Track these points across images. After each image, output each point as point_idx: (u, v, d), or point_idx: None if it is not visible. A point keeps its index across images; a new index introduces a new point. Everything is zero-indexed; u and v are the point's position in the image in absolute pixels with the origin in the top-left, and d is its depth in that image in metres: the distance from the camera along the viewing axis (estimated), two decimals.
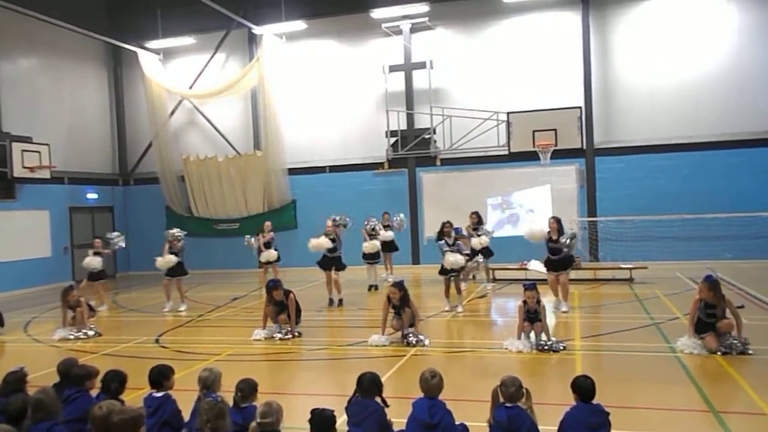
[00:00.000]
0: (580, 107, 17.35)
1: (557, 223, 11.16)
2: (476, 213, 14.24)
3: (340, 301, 12.86)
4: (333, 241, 12.82)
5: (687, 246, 16.28)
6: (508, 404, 4.30)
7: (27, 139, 17.71)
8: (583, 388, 4.43)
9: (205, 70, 21.06)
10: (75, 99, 20.58)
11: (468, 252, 12.33)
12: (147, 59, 21.03)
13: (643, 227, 16.57)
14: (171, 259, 13.07)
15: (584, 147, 17.50)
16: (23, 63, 18.82)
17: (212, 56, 20.99)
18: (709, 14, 17.06)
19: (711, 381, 6.87)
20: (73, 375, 5.21)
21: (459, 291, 11.74)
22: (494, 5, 18.16)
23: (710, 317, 7.90)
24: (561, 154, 17.14)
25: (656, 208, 16.70)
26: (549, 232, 11.10)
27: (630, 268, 14.38)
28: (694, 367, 7.28)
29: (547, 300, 10.97)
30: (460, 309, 11.50)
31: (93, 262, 13.67)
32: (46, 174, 17.92)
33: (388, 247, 15.61)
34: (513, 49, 18.39)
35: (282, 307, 9.94)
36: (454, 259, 11.25)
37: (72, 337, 10.45)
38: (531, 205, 18.17)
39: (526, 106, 17.50)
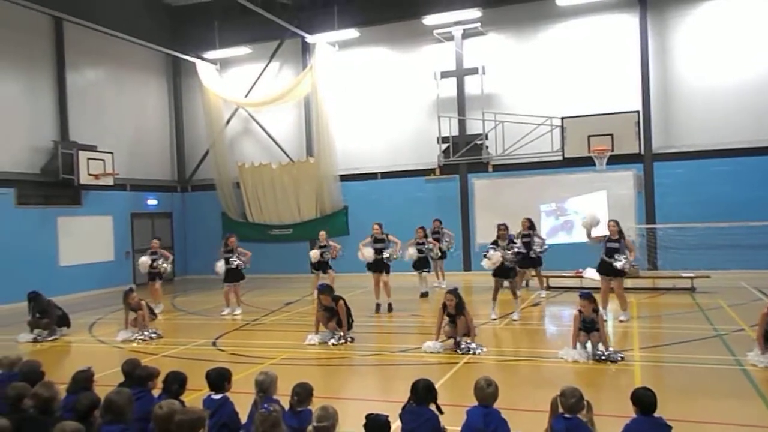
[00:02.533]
0: (637, 111, 16.90)
1: (617, 225, 10.89)
2: (529, 219, 14.13)
3: (390, 306, 12.87)
4: (382, 242, 12.91)
5: (752, 254, 15.61)
6: (567, 415, 4.21)
7: (92, 148, 18.49)
8: (644, 400, 4.30)
9: (260, 79, 21.52)
10: (137, 108, 21.38)
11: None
12: (205, 69, 21.65)
13: (705, 235, 15.98)
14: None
15: (642, 152, 17.02)
16: (90, 75, 19.67)
17: (267, 65, 21.44)
18: None
19: None
20: (136, 376, 5.38)
21: (515, 296, 11.57)
22: (548, 9, 17.91)
23: None
24: (617, 160, 16.73)
25: (718, 214, 16.07)
26: (609, 234, 10.86)
27: (691, 277, 13.88)
28: (761, 381, 6.97)
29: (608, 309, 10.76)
30: (515, 316, 11.35)
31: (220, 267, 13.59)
32: (109, 181, 18.63)
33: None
34: (567, 52, 18.08)
35: (332, 312, 10.02)
36: (488, 261, 11.28)
37: (134, 338, 10.82)
38: (586, 212, 17.74)
39: (580, 111, 17.17)
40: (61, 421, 4.09)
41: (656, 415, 4.28)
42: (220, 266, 13.51)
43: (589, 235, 10.97)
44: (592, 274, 13.03)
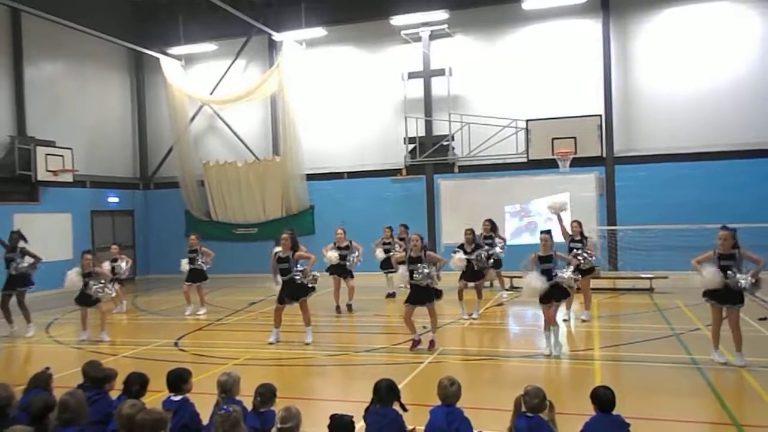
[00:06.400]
0: (599, 115, 17.25)
1: (579, 226, 11.11)
2: (489, 221, 14.06)
3: (349, 306, 12.92)
4: (346, 248, 12.89)
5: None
6: (529, 414, 4.27)
7: (51, 143, 18.01)
8: (603, 398, 4.37)
9: (226, 76, 21.27)
10: (98, 104, 20.89)
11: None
12: (169, 65, 21.29)
13: (664, 236, 16.37)
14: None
15: (604, 155, 17.38)
16: (48, 68, 19.14)
17: (233, 62, 21.20)
18: (731, 22, 16.87)
19: (734, 394, 6.77)
20: (91, 378, 5.26)
21: (479, 296, 11.69)
22: (514, 12, 18.13)
23: None
24: (580, 162, 17.05)
25: (677, 217, 16.49)
26: (572, 234, 11.02)
27: (650, 278, 14.23)
28: (716, 380, 7.17)
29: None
30: (475, 315, 11.47)
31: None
32: (68, 178, 18.18)
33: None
34: (532, 56, 18.33)
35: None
36: (457, 259, 11.39)
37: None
38: (549, 214, 17.99)
39: (545, 114, 17.43)
40: (13, 424, 3.98)
41: (615, 412, 4.36)
42: (185, 264, 13.32)
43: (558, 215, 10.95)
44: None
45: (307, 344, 9.76)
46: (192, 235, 13.84)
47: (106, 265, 13.26)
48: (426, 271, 9.05)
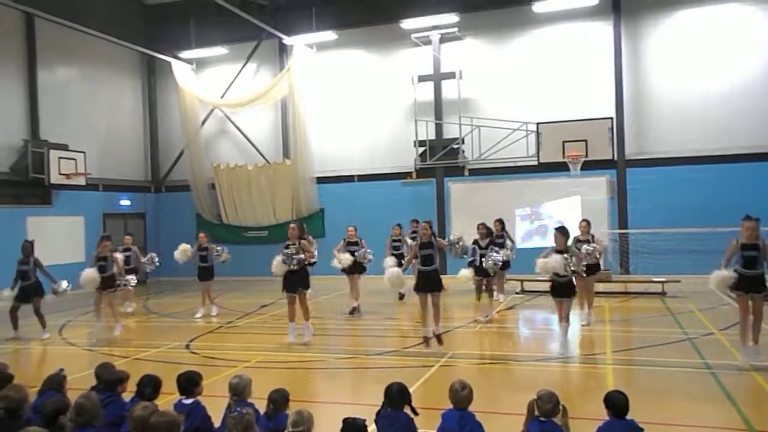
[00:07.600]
0: (611, 118, 17.14)
1: (588, 225, 11.09)
2: (500, 220, 14.02)
3: (356, 308, 12.86)
4: (355, 245, 12.95)
5: (721, 259, 15.84)
6: (542, 419, 4.24)
7: (64, 147, 18.16)
8: (617, 403, 4.35)
9: (237, 80, 21.36)
10: (110, 108, 21.05)
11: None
12: (180, 69, 21.41)
13: (676, 240, 16.25)
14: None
15: (615, 158, 17.27)
16: (61, 72, 19.32)
17: (243, 66, 21.29)
18: (745, 23, 16.74)
19: (749, 400, 6.71)
20: (104, 380, 5.29)
21: (491, 294, 11.62)
22: (524, 15, 18.08)
23: None
24: (591, 165, 16.95)
25: (689, 220, 16.35)
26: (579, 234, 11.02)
27: (662, 282, 14.12)
28: (731, 385, 7.09)
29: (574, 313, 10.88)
30: (481, 319, 11.40)
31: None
32: (81, 181, 18.33)
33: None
34: (543, 59, 18.28)
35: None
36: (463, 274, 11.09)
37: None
38: (560, 217, 17.94)
39: (555, 117, 17.35)
40: (27, 426, 4.01)
41: (629, 417, 4.34)
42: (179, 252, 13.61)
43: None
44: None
45: (306, 344, 9.76)
46: (201, 233, 14.00)
47: (119, 256, 13.08)
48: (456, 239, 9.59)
